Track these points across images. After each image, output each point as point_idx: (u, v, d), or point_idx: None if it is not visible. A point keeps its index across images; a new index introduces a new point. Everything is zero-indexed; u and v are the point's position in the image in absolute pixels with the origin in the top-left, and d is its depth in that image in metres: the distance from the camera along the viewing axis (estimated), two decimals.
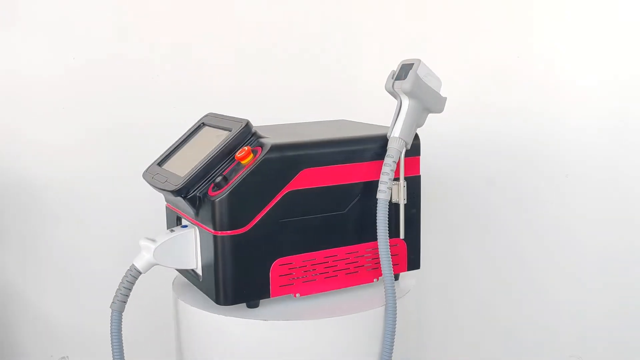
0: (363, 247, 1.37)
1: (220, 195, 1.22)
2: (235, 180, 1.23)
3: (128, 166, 2.04)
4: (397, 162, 1.32)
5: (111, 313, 1.31)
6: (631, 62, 1.88)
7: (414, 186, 1.38)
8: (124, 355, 1.31)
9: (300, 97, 2.08)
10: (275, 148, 1.25)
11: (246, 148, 1.25)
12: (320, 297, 1.36)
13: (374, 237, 1.33)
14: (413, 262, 1.42)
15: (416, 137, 1.37)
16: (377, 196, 1.30)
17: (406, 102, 1.33)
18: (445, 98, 1.36)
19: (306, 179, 1.28)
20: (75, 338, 2.21)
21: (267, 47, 2.10)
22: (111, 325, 1.31)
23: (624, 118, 1.89)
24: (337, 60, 2.13)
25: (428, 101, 1.35)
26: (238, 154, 1.25)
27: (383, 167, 1.31)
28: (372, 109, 1.86)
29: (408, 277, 1.49)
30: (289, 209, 1.28)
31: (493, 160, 2.03)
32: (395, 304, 1.32)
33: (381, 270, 1.32)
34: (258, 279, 1.28)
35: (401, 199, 1.35)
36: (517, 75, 1.98)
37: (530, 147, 2.00)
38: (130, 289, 1.32)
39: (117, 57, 2.06)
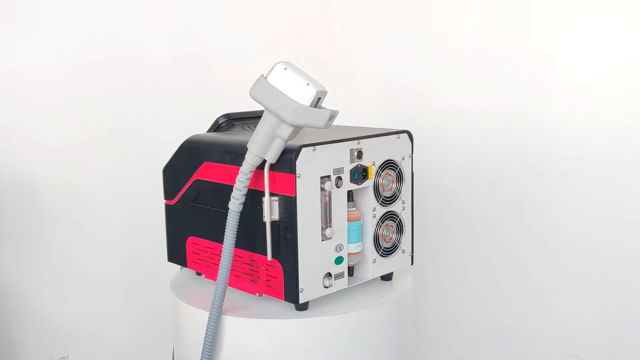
0: (247, 255, 1.34)
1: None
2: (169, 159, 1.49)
3: (128, 166, 2.08)
4: (250, 174, 1.26)
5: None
6: (631, 62, 1.88)
7: (288, 206, 1.25)
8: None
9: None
10: (190, 141, 1.46)
11: None
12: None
13: (255, 248, 1.32)
14: (290, 292, 1.28)
15: (297, 152, 1.23)
16: (229, 205, 1.26)
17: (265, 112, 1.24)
18: (326, 111, 1.21)
19: (207, 172, 1.40)
20: (75, 338, 2.21)
21: (267, 47, 2.09)
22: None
23: (624, 118, 1.89)
24: (337, 60, 2.12)
25: (280, 111, 1.20)
26: None
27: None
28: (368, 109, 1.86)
29: (404, 277, 1.49)
30: (198, 195, 1.43)
31: (492, 161, 2.03)
32: (217, 322, 1.30)
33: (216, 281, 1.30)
34: (180, 248, 1.50)
35: (266, 216, 1.25)
36: (517, 75, 1.98)
37: (530, 148, 2.00)
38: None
39: (117, 57, 2.06)
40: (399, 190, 1.44)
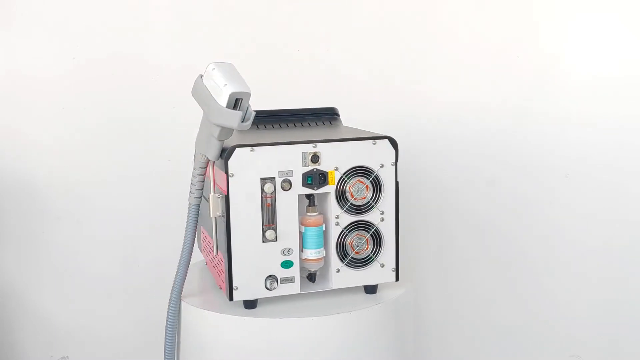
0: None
1: None
2: None
3: (128, 166, 2.09)
4: (202, 170, 1.31)
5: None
6: (631, 62, 1.89)
7: (225, 204, 1.27)
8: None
9: (299, 97, 2.03)
10: None
11: None
12: (319, 295, 1.36)
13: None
14: (228, 288, 1.30)
15: (230, 152, 1.25)
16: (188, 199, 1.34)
17: None
18: (236, 113, 1.21)
19: None
20: (75, 338, 2.20)
21: (266, 48, 2.07)
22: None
23: (624, 118, 1.90)
24: (337, 59, 2.08)
25: (206, 111, 1.24)
26: None
27: None
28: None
29: (405, 277, 1.44)
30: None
31: (492, 161, 2.03)
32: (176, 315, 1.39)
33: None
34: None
35: (212, 211, 1.28)
36: (517, 75, 1.98)
37: (530, 147, 2.00)
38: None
39: (117, 57, 2.07)
40: (375, 200, 1.35)
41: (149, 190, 2.07)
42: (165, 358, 1.42)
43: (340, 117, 1.60)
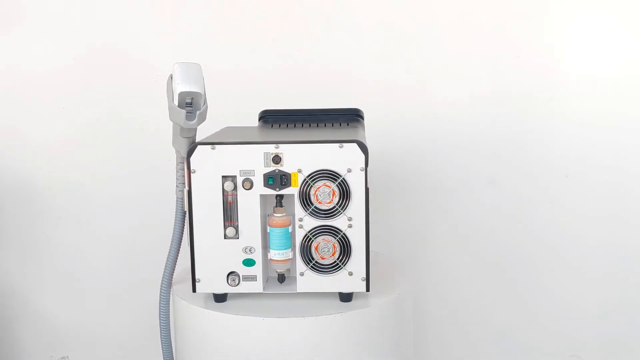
0: None
1: None
2: None
3: (128, 166, 2.09)
4: (182, 165, 1.37)
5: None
6: (631, 62, 1.91)
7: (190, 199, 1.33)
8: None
9: (298, 97, 2.00)
10: None
11: None
12: (320, 294, 1.37)
13: None
14: (193, 281, 1.35)
15: (192, 150, 1.30)
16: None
17: None
18: (181, 111, 1.27)
19: None
20: (75, 338, 2.21)
21: (266, 48, 2.03)
22: None
23: (624, 118, 1.92)
24: (337, 58, 2.03)
25: (169, 109, 1.30)
26: None
27: None
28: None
29: (405, 277, 1.48)
30: None
31: (492, 160, 2.02)
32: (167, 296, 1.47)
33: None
34: None
35: (186, 205, 1.34)
36: (517, 75, 1.97)
37: (530, 147, 2.00)
38: None
39: (117, 56, 2.06)
40: (342, 206, 1.31)
41: (150, 189, 2.09)
42: (162, 345, 1.51)
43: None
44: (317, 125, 1.57)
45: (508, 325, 2.10)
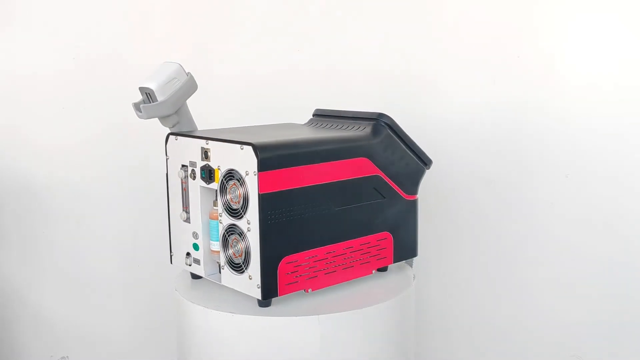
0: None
1: None
2: None
3: (128, 166, 2.06)
4: None
5: None
6: (631, 62, 1.86)
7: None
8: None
9: (297, 98, 2.00)
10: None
11: None
12: (319, 293, 1.40)
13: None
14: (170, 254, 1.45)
15: (167, 138, 1.45)
16: None
17: None
18: (133, 104, 1.43)
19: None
20: (75, 338, 2.22)
21: (266, 47, 2.04)
22: None
23: (624, 118, 1.88)
24: (337, 58, 2.07)
25: None
26: None
27: None
28: None
29: (405, 278, 1.51)
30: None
31: (492, 160, 2.02)
32: None
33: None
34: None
35: None
36: (517, 75, 1.96)
37: (530, 147, 1.99)
38: None
39: (117, 57, 2.01)
40: (243, 208, 1.29)
41: (149, 189, 2.10)
42: None
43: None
44: (349, 127, 1.50)
45: (508, 325, 2.08)
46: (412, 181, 1.51)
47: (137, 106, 1.45)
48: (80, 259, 2.18)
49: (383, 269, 1.52)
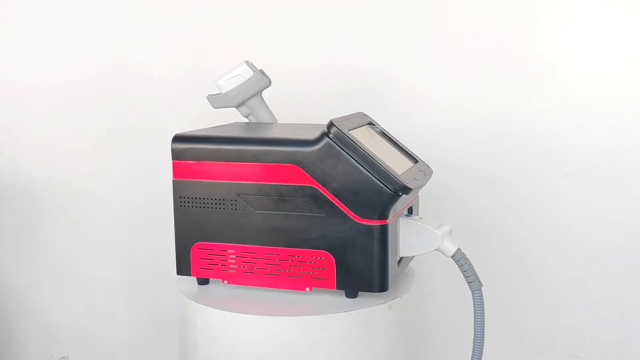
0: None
1: None
2: None
3: (128, 167, 2.04)
4: None
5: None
6: (631, 62, 1.89)
7: None
8: None
9: (297, 98, 1.99)
10: None
11: None
12: (320, 294, 1.40)
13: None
14: None
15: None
16: None
17: None
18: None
19: None
20: (75, 338, 2.20)
21: (266, 47, 2.02)
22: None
23: (624, 118, 1.91)
24: (337, 57, 2.04)
25: None
26: None
27: None
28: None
29: (406, 277, 1.53)
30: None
31: (492, 160, 2.02)
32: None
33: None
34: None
35: None
36: (517, 75, 1.97)
37: (530, 147, 1.99)
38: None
39: (117, 58, 1.99)
40: None
41: (149, 189, 2.09)
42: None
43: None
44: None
45: (508, 325, 2.07)
46: (369, 203, 1.30)
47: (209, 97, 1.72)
48: (80, 259, 2.19)
49: (351, 295, 1.37)
